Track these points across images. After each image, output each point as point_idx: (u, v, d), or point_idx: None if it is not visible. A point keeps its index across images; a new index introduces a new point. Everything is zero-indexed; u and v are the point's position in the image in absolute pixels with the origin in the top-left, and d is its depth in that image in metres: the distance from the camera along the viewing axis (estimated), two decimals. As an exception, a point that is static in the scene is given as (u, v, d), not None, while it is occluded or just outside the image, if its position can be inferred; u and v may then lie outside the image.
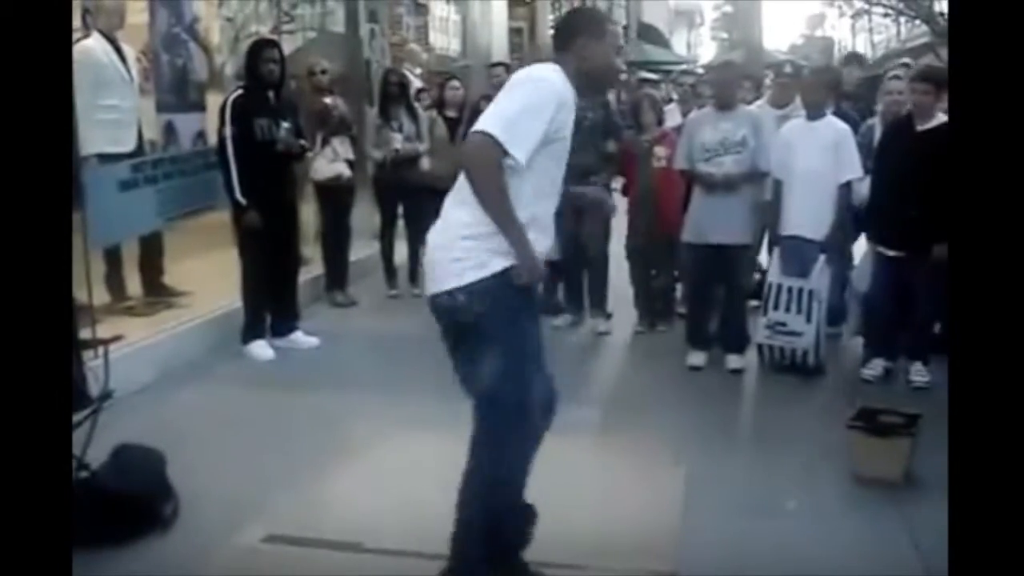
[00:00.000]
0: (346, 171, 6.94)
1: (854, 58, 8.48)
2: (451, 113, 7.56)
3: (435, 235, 2.84)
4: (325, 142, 6.84)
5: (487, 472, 2.85)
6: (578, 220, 6.14)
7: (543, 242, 2.84)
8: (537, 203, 2.76)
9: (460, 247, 2.73)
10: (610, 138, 6.22)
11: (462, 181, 2.79)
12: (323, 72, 7.00)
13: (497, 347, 2.76)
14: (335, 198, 7.01)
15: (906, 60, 8.13)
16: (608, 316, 6.44)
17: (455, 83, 7.89)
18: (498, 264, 2.72)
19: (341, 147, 6.93)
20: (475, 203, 2.71)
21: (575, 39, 2.84)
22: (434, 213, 2.92)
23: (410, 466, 3.88)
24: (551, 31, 25.03)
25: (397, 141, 7.15)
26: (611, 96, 7.63)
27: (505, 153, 2.62)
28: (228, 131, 5.49)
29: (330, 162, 6.86)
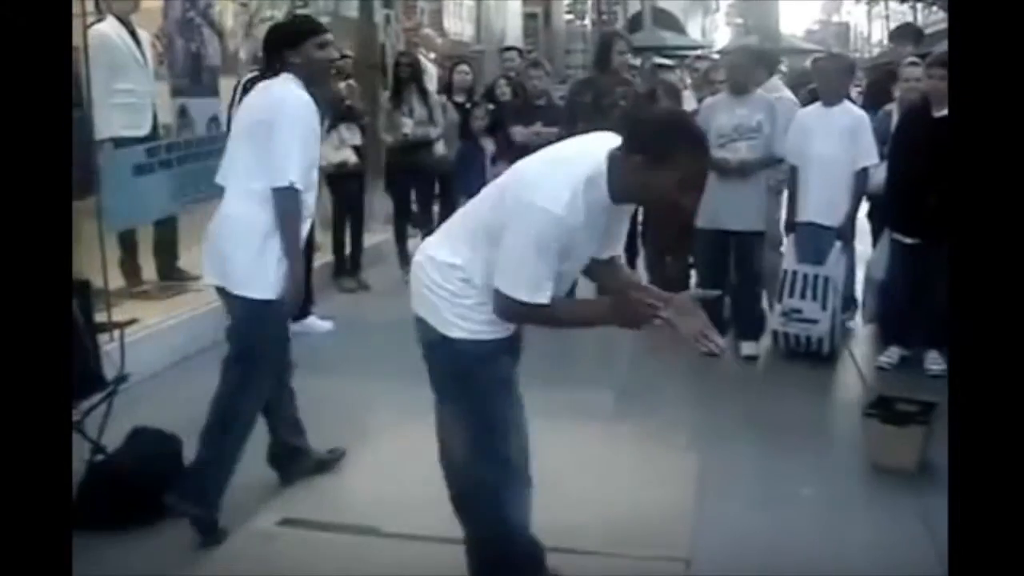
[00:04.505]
0: (352, 157, 6.92)
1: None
2: (459, 98, 7.51)
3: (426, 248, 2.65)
4: (332, 128, 6.79)
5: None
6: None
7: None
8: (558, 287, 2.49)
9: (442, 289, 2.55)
10: None
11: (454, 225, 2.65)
12: (343, 58, 6.99)
13: (467, 419, 2.64)
14: (344, 184, 7.00)
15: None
16: None
17: (463, 67, 7.85)
18: (478, 328, 2.53)
19: (348, 133, 6.90)
20: (465, 249, 2.52)
21: (634, 153, 2.31)
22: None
23: (426, 450, 3.87)
24: (566, 17, 24.91)
25: (407, 125, 7.10)
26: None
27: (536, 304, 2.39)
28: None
29: (335, 148, 6.84)
